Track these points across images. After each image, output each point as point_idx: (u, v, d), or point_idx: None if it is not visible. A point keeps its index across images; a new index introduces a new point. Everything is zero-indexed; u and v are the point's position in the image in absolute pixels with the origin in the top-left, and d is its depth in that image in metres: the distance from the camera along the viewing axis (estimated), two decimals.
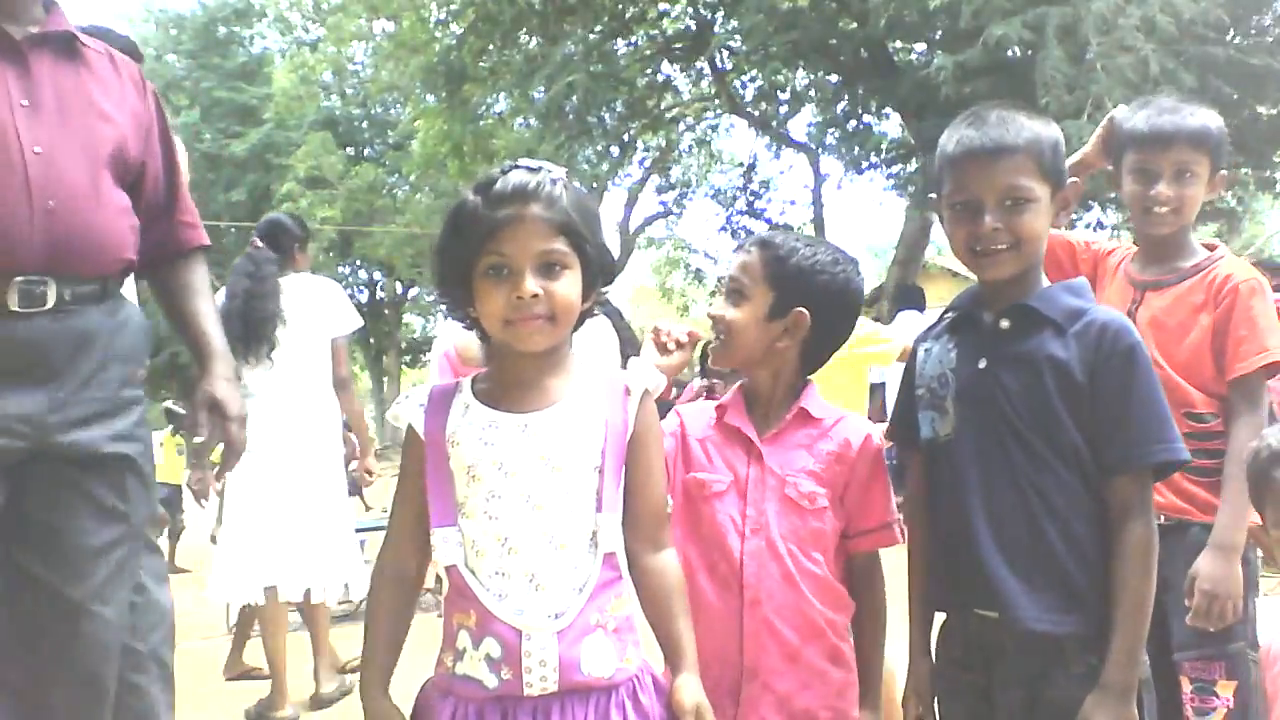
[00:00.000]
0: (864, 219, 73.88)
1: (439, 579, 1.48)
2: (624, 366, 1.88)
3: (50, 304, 1.75)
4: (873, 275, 22.43)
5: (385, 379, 27.06)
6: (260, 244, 4.13)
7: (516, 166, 1.42)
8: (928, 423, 1.69)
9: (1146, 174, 2.12)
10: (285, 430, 4.00)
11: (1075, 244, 2.32)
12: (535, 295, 1.38)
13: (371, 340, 25.59)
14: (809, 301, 1.74)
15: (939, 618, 1.74)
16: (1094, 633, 1.51)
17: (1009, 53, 8.98)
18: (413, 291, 26.01)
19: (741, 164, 20.13)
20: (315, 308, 4.13)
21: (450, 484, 1.43)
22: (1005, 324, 1.62)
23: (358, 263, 23.73)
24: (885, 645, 1.81)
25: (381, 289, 25.27)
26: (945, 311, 1.77)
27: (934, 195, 1.69)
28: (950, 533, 1.63)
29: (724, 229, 19.73)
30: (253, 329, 3.94)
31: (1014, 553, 1.55)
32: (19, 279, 1.72)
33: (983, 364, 1.61)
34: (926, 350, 1.74)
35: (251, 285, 3.99)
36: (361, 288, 25.63)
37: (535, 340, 1.42)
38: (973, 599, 1.60)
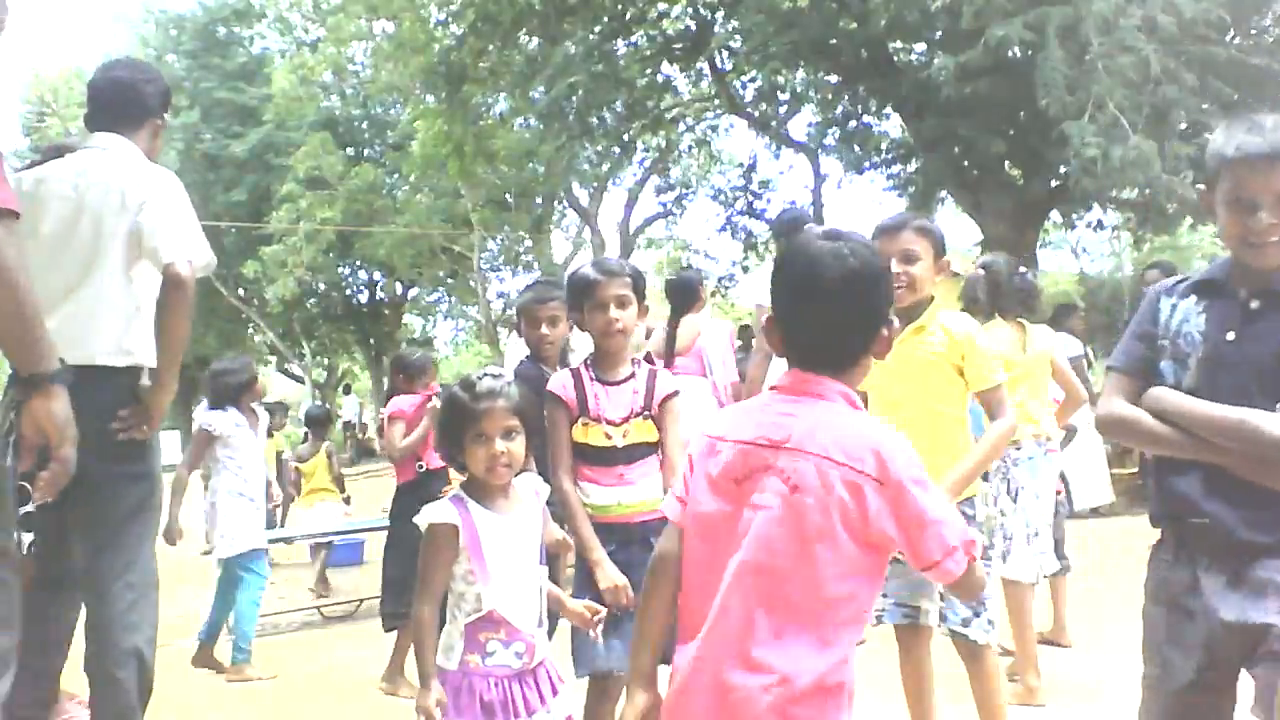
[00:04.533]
0: (864, 219, 73.74)
1: None
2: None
3: None
4: None
5: (385, 379, 26.97)
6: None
7: (485, 375, 2.29)
8: (1170, 371, 1.91)
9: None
10: None
11: None
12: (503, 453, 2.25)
13: (371, 341, 25.58)
14: None
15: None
16: None
17: (1010, 53, 8.98)
18: (413, 292, 25.97)
19: (741, 164, 20.14)
20: None
21: None
22: (1256, 304, 1.83)
23: (358, 263, 23.69)
24: None
25: (381, 289, 25.24)
26: (1194, 277, 1.97)
27: (1203, 186, 1.92)
28: (1174, 459, 1.88)
29: (724, 229, 19.75)
30: None
31: (1230, 488, 1.79)
32: None
33: (1231, 336, 1.84)
34: (1173, 306, 1.94)
35: None
36: (361, 288, 25.61)
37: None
38: (1187, 511, 1.86)
